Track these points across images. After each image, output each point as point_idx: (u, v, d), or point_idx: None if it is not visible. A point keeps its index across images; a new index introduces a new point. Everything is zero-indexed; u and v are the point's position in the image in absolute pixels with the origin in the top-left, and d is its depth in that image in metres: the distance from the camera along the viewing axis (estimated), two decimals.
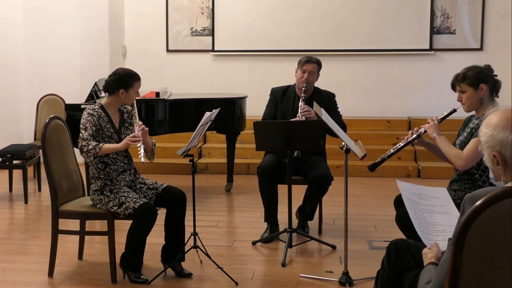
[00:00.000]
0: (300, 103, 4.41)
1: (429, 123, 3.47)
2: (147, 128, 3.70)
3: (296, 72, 4.57)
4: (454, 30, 7.94)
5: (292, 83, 4.68)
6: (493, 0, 7.84)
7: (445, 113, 3.51)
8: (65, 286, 3.58)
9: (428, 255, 2.20)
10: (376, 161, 3.45)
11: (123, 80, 3.66)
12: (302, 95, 4.45)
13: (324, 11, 8.09)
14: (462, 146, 3.33)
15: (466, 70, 3.37)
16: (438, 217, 2.42)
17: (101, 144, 3.52)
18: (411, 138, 3.47)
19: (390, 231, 4.47)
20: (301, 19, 8.12)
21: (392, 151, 3.46)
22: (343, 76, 8.02)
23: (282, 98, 4.65)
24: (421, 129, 3.47)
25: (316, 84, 4.63)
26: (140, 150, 3.56)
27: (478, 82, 3.31)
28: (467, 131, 3.38)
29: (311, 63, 4.50)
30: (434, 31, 7.96)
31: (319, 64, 4.54)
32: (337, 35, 8.09)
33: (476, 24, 7.89)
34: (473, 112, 3.43)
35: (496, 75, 3.39)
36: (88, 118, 3.60)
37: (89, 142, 3.52)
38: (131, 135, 3.60)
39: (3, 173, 6.77)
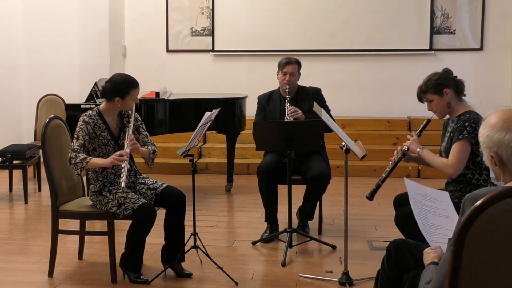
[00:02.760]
0: (286, 105, 4.41)
1: (409, 140, 3.50)
2: (136, 145, 3.61)
3: (277, 74, 4.60)
4: (454, 30, 7.94)
5: (275, 88, 4.70)
6: (493, 0, 7.84)
7: (421, 126, 3.56)
8: (65, 286, 3.58)
9: (430, 255, 2.20)
10: (373, 189, 3.47)
11: (119, 88, 3.58)
12: (287, 96, 4.46)
13: (324, 11, 8.09)
14: (446, 153, 3.36)
15: (427, 80, 3.43)
16: (440, 220, 2.43)
17: (88, 158, 3.48)
18: (397, 158, 3.51)
19: (390, 231, 4.46)
20: (300, 19, 8.11)
21: (384, 175, 3.49)
22: (343, 76, 8.02)
23: (268, 103, 4.67)
24: (404, 147, 3.51)
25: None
26: (123, 173, 3.44)
27: (441, 88, 3.36)
28: (447, 136, 3.41)
29: (290, 64, 4.52)
30: (434, 31, 7.97)
31: (298, 64, 4.57)
32: (337, 35, 8.09)
33: (476, 24, 7.89)
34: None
35: (456, 76, 3.42)
36: (82, 127, 3.55)
37: (77, 155, 3.47)
38: (118, 153, 3.49)
39: (3, 173, 6.77)
